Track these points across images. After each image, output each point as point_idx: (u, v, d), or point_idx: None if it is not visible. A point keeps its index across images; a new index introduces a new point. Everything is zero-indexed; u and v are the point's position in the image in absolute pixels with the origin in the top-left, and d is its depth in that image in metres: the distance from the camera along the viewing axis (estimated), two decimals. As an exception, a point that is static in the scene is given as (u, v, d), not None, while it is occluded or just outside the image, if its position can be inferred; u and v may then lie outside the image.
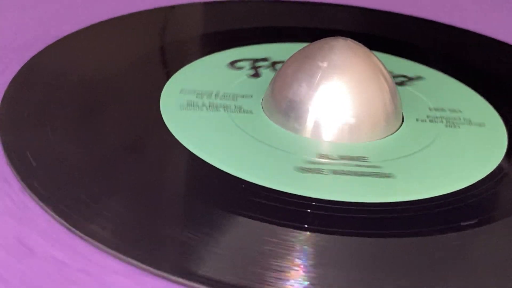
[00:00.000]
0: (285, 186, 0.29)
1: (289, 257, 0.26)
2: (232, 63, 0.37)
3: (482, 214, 0.29)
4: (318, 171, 0.30)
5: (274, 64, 0.37)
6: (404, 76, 0.38)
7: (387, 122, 0.33)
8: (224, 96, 0.34)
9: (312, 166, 0.30)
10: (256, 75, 0.36)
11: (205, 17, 0.45)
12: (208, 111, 0.33)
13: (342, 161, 0.31)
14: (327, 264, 0.26)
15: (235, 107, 0.34)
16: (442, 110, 0.35)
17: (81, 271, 0.25)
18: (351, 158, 0.31)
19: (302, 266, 0.25)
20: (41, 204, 0.27)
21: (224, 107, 0.34)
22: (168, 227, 0.27)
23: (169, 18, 0.43)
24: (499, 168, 0.31)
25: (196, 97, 0.34)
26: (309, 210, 0.28)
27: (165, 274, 0.24)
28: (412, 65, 0.39)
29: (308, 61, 0.33)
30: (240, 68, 0.37)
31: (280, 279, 0.25)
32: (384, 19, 0.45)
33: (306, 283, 0.25)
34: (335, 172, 0.30)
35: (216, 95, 0.34)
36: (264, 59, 0.38)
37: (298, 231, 0.27)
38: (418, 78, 0.38)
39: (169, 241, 0.26)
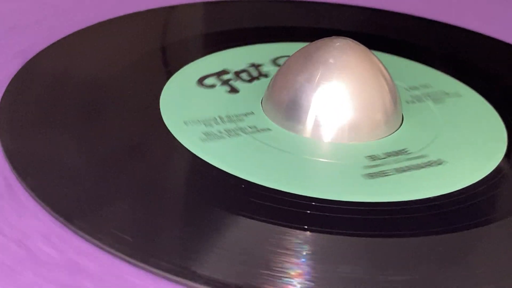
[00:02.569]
0: (285, 186, 0.29)
1: (290, 257, 0.26)
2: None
3: (481, 214, 0.29)
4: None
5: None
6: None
7: (386, 122, 0.33)
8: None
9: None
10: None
11: (205, 17, 0.45)
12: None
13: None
14: (328, 264, 0.26)
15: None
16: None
17: (82, 271, 0.25)
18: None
19: (303, 266, 0.25)
20: (42, 204, 0.27)
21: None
22: (168, 227, 0.27)
23: (169, 18, 0.43)
24: (499, 168, 0.31)
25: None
26: (309, 210, 0.28)
27: (166, 274, 0.25)
28: (412, 64, 0.39)
29: (308, 61, 0.33)
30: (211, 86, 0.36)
31: (281, 279, 0.25)
32: (384, 18, 0.45)
33: (307, 283, 0.25)
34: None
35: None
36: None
37: (298, 231, 0.27)
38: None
39: (169, 241, 0.26)
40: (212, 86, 0.35)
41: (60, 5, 0.43)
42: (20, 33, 0.39)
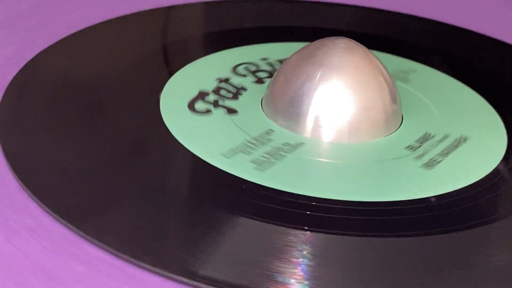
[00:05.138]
0: (285, 186, 0.29)
1: (290, 257, 0.26)
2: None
3: (481, 215, 0.29)
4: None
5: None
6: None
7: (386, 122, 0.33)
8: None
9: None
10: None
11: (205, 17, 0.45)
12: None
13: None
14: (328, 264, 0.26)
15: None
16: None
17: (84, 272, 0.25)
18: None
19: (303, 266, 0.26)
20: (43, 206, 0.27)
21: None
22: (169, 228, 0.27)
23: (169, 18, 0.43)
24: (498, 168, 0.31)
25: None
26: (309, 210, 0.28)
27: (168, 274, 0.25)
28: (412, 64, 0.39)
29: (308, 61, 0.33)
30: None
31: (282, 279, 0.25)
32: (384, 18, 0.45)
33: (308, 283, 0.25)
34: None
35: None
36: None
37: (299, 231, 0.27)
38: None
39: (170, 241, 0.26)
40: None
41: (60, 5, 0.43)
42: (20, 33, 0.39)
